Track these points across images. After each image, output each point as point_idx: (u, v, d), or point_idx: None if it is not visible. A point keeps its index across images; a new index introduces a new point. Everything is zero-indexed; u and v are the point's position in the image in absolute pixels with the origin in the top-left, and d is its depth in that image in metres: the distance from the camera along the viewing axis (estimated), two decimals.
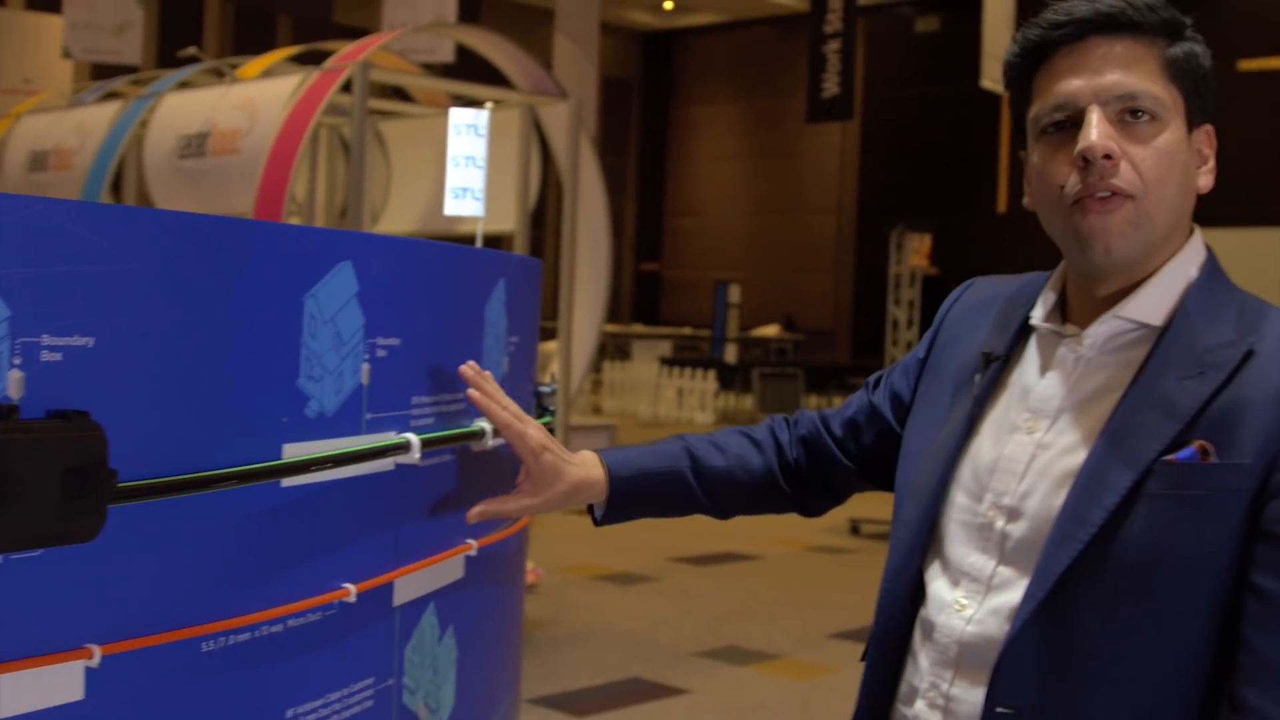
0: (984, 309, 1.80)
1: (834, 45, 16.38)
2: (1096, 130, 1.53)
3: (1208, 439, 1.48)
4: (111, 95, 10.78)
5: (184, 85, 9.55)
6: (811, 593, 7.72)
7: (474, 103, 9.72)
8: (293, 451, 1.57)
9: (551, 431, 2.44)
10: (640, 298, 29.00)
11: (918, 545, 1.69)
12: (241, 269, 1.51)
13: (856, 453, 1.96)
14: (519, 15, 22.13)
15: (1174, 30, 1.59)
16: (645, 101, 29.25)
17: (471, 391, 1.83)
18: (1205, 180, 1.64)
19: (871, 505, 10.81)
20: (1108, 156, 1.52)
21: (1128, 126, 1.55)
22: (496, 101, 9.90)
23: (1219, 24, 20.77)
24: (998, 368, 1.70)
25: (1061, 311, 1.68)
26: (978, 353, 1.74)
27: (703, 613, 7.11)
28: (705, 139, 28.66)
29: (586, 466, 1.92)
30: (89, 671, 1.34)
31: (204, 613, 1.47)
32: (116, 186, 10.10)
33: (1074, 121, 1.57)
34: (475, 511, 1.84)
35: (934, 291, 22.82)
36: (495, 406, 1.83)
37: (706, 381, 17.91)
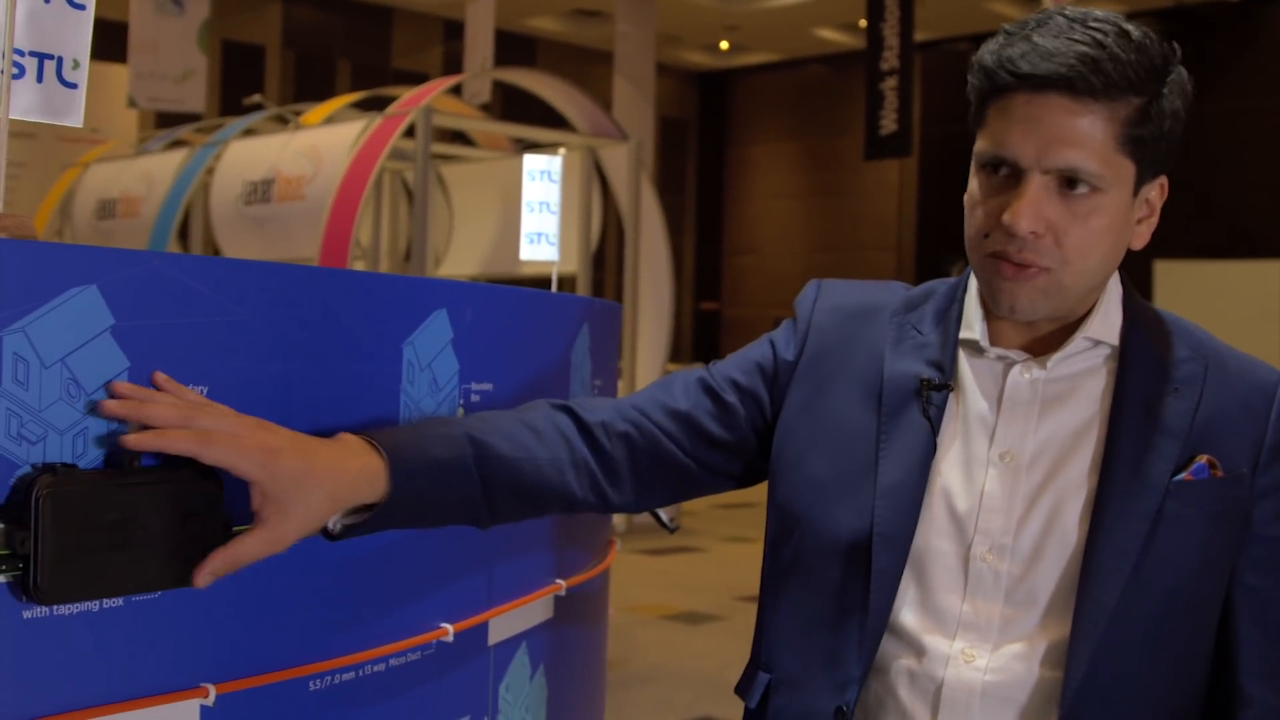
0: (858, 317, 1.67)
1: (891, 82, 16.36)
2: (1028, 211, 1.45)
3: (1202, 453, 1.50)
4: (176, 143, 10.95)
5: (248, 132, 9.69)
6: None
7: (535, 145, 9.80)
8: None
9: None
10: (700, 337, 29.02)
11: (891, 596, 1.54)
12: (343, 318, 1.55)
13: (701, 453, 1.68)
14: (574, 58, 22.28)
15: (1146, 88, 1.46)
16: (702, 141, 29.37)
17: (111, 404, 1.28)
18: (1142, 236, 1.56)
19: None
20: (1034, 232, 1.46)
21: (1065, 197, 1.46)
22: (556, 144, 9.98)
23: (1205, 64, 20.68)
24: (943, 398, 1.58)
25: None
26: (881, 371, 1.61)
27: None
28: (762, 177, 28.71)
29: (351, 453, 1.42)
30: (204, 710, 1.38)
31: (311, 652, 1.51)
32: (183, 233, 10.25)
33: (1014, 171, 1.48)
34: (205, 572, 1.30)
35: None
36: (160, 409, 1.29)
37: None
